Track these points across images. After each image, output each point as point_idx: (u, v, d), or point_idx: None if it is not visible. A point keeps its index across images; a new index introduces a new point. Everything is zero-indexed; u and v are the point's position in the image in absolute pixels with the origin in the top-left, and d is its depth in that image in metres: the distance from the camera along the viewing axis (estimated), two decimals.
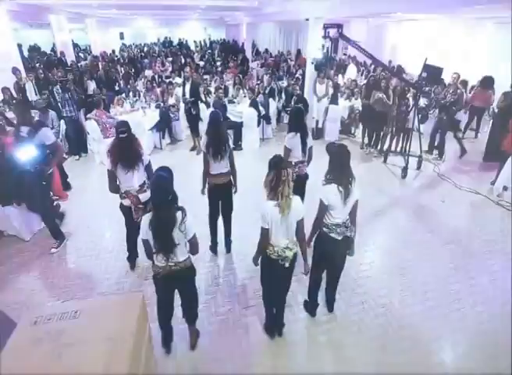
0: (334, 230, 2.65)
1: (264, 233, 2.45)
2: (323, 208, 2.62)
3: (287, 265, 2.53)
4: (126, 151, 3.10)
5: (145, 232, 2.25)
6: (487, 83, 7.37)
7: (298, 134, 3.64)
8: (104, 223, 4.57)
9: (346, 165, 2.57)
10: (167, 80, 9.28)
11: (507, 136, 5.26)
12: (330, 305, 3.20)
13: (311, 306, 3.17)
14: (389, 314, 3.16)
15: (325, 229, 2.70)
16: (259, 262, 2.68)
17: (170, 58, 15.43)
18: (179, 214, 2.24)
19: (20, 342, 1.52)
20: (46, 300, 3.27)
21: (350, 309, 3.22)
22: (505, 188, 5.22)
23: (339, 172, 2.56)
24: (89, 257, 3.89)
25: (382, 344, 2.87)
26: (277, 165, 2.37)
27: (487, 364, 2.71)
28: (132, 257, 3.68)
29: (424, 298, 3.35)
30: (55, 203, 4.77)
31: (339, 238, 2.69)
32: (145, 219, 2.24)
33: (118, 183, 3.24)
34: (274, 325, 2.94)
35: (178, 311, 2.67)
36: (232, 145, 4.12)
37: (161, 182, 2.22)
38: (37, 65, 12.65)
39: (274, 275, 2.66)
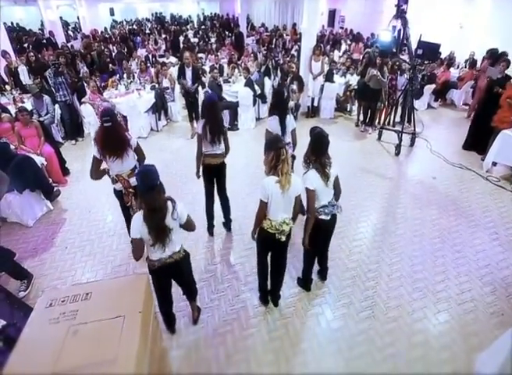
0: (322, 212, 2.79)
1: (262, 206, 2.56)
2: (312, 195, 2.70)
3: (283, 239, 2.67)
4: (111, 140, 3.07)
5: (138, 230, 2.24)
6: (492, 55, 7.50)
7: (277, 117, 3.66)
8: (105, 206, 4.70)
9: (323, 151, 2.68)
10: (161, 60, 9.17)
11: (498, 112, 5.34)
12: (323, 275, 3.40)
13: (305, 282, 3.35)
14: (378, 287, 3.37)
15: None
16: (256, 237, 2.83)
17: (163, 36, 15.07)
18: (169, 203, 2.29)
19: (38, 322, 1.69)
20: (54, 283, 3.45)
21: (341, 283, 3.43)
22: (494, 164, 5.36)
23: (314, 155, 2.68)
24: (92, 241, 4.05)
25: (371, 314, 3.09)
26: (275, 144, 2.47)
27: (465, 329, 2.95)
28: None
29: (411, 271, 3.56)
30: (55, 189, 4.88)
31: (328, 218, 2.84)
32: (137, 217, 2.26)
33: (107, 168, 3.26)
34: (267, 295, 3.16)
35: (178, 288, 2.82)
36: (228, 125, 4.15)
37: (147, 170, 2.24)
38: (26, 46, 12.39)
39: (270, 249, 2.84)
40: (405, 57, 7.60)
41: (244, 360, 2.72)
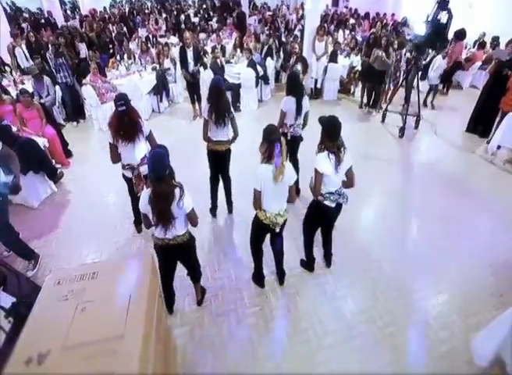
0: (328, 198, 2.80)
1: (257, 195, 2.59)
2: (319, 177, 2.69)
3: (277, 230, 2.75)
4: (124, 125, 3.11)
5: (144, 206, 2.33)
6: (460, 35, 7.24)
7: (294, 98, 3.70)
8: (109, 188, 4.71)
9: (337, 135, 2.66)
10: (162, 41, 9.01)
11: (506, 94, 5.24)
12: (328, 261, 3.43)
13: (308, 263, 3.40)
14: (379, 269, 3.41)
15: (319, 197, 2.83)
16: (251, 225, 2.90)
17: (164, 15, 14.72)
18: (177, 191, 2.30)
19: (47, 299, 1.73)
20: (61, 263, 3.51)
21: (343, 264, 3.46)
22: (498, 147, 5.31)
23: (330, 141, 2.67)
24: (96, 222, 4.08)
25: (372, 294, 3.14)
26: (270, 136, 2.47)
27: (464, 310, 3.00)
28: (137, 221, 3.87)
29: (413, 253, 3.59)
30: (59, 171, 4.89)
31: (333, 205, 2.85)
32: (144, 194, 2.32)
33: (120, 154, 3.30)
34: (263, 278, 3.22)
35: (183, 268, 2.86)
36: None
37: (158, 157, 2.25)
38: (25, 26, 12.14)
39: (265, 235, 2.92)
40: None
41: (247, 338, 2.78)
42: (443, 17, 5.04)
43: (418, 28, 5.44)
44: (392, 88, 7.12)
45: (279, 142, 2.45)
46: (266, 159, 2.51)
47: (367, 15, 13.62)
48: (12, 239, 3.35)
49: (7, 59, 7.72)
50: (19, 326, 1.65)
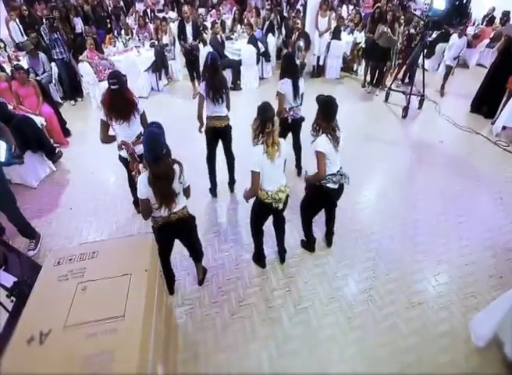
0: (330, 180, 2.76)
1: (256, 177, 2.55)
2: (324, 158, 2.64)
3: (281, 207, 2.71)
4: (118, 103, 3.04)
5: (144, 191, 2.22)
6: None
7: (290, 80, 3.61)
8: (108, 167, 4.66)
9: (333, 116, 2.63)
10: (160, 16, 8.71)
11: None
12: (329, 241, 3.43)
13: (308, 243, 3.40)
14: (380, 249, 3.41)
15: (321, 181, 2.79)
16: (252, 206, 2.88)
17: None
18: (176, 167, 2.26)
19: (47, 279, 1.72)
20: (61, 243, 3.51)
21: (344, 245, 3.46)
22: (503, 128, 5.22)
23: (326, 122, 2.63)
24: (96, 201, 4.07)
25: (372, 275, 3.16)
26: (263, 114, 2.43)
27: (464, 291, 3.02)
28: (137, 202, 3.83)
29: (413, 234, 3.58)
30: (57, 150, 4.83)
31: (336, 187, 2.82)
32: (142, 179, 2.21)
33: (114, 133, 3.23)
34: (263, 258, 3.22)
35: (184, 249, 2.89)
36: (230, 85, 4.06)
37: (153, 137, 2.16)
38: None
39: (267, 216, 2.90)
40: None
41: (248, 317, 2.81)
42: None
43: (437, 2, 5.08)
44: (397, 66, 6.95)
45: (271, 121, 2.41)
46: (257, 137, 2.48)
47: None
48: (14, 210, 3.33)
49: (3, 34, 7.46)
50: (22, 306, 1.66)
